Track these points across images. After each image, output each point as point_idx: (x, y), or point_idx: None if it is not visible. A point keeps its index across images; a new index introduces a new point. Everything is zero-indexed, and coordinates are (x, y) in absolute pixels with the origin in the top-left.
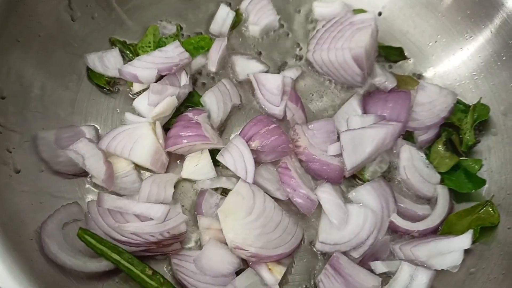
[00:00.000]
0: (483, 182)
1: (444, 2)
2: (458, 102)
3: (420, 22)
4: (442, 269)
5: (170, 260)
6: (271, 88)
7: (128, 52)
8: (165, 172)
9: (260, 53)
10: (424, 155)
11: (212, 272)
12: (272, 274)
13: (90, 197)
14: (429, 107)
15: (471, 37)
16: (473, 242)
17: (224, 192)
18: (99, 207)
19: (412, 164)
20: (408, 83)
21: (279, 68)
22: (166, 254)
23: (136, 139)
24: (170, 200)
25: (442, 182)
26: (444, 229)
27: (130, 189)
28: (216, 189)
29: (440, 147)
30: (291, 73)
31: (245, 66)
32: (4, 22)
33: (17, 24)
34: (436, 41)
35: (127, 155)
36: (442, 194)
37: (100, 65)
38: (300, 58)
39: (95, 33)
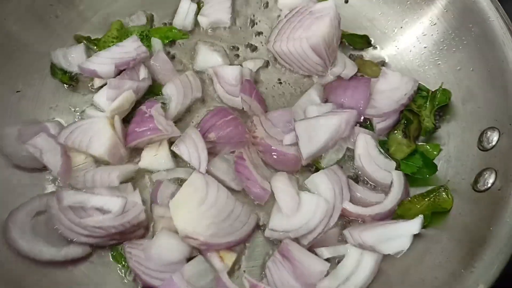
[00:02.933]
0: (435, 167)
1: None
2: (420, 88)
3: (386, 8)
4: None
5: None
6: (229, 79)
7: (94, 47)
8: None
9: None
10: (377, 143)
11: (161, 260)
12: (223, 261)
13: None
14: (388, 95)
15: (435, 23)
16: (425, 227)
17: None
18: (59, 205)
19: (368, 152)
20: (369, 69)
21: (240, 58)
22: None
23: (93, 133)
24: (116, 183)
25: (398, 167)
26: (398, 214)
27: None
28: (175, 180)
29: (397, 133)
30: (252, 64)
31: (207, 58)
32: None
33: None
34: (401, 27)
35: (84, 149)
36: (397, 180)
37: (64, 62)
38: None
39: (59, 31)
